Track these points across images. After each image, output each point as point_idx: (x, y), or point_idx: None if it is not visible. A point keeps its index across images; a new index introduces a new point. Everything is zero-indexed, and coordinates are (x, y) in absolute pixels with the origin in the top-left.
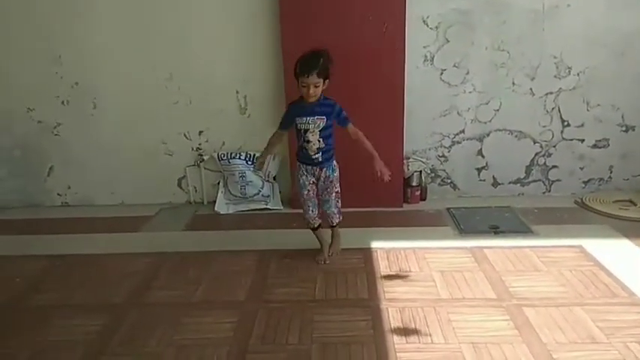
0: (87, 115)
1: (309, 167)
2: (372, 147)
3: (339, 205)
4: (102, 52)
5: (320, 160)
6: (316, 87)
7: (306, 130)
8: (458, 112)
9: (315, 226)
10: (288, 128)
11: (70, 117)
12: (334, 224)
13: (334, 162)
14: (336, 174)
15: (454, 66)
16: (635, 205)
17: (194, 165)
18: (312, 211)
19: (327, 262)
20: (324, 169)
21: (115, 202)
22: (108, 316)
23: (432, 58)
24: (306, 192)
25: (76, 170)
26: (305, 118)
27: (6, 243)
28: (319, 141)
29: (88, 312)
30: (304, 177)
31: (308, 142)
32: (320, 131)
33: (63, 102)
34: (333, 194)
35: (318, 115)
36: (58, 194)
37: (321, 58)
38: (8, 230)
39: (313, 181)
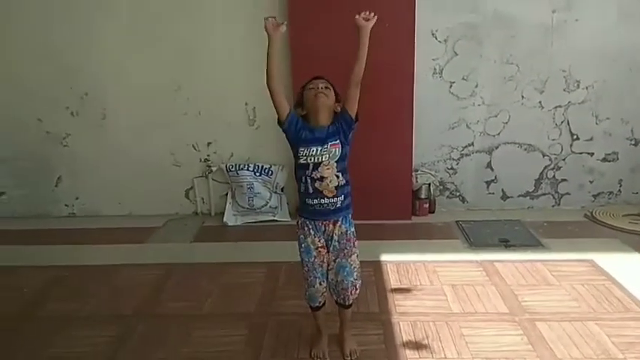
0: (96, 126)
1: (318, 223)
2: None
3: (359, 273)
4: (111, 63)
5: (339, 205)
6: (327, 88)
7: (317, 165)
8: (467, 125)
9: (320, 304)
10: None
11: (79, 128)
12: (347, 303)
13: (351, 211)
14: (353, 229)
15: (463, 79)
16: None
17: (202, 176)
18: (320, 283)
19: (328, 358)
20: (339, 222)
21: (122, 213)
22: (117, 328)
23: (441, 71)
24: (312, 259)
25: (84, 181)
26: (314, 149)
27: (13, 253)
28: (337, 176)
29: (97, 323)
30: (310, 238)
31: (322, 179)
32: (337, 162)
33: (72, 113)
34: (353, 256)
35: (331, 140)
36: (66, 205)
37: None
38: (15, 240)
39: (322, 244)
